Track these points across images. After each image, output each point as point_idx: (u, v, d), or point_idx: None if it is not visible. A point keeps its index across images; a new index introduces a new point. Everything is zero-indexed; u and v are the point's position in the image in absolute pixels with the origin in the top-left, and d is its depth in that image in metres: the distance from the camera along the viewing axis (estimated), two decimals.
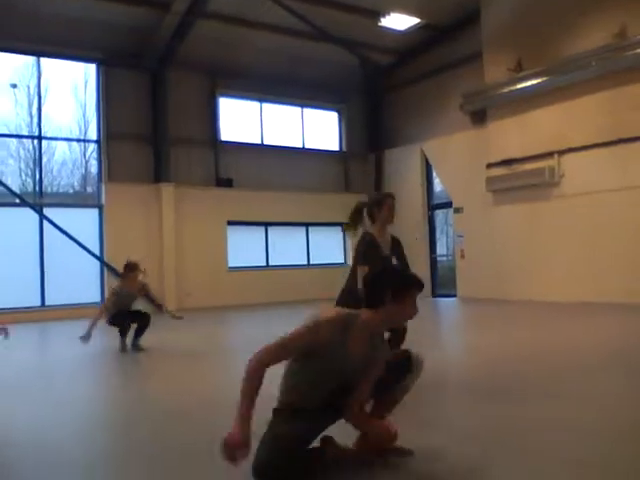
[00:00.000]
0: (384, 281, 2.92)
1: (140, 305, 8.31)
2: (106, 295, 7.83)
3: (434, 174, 16.23)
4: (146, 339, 7.87)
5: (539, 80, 12.62)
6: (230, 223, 15.30)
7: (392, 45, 15.78)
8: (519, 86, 13.01)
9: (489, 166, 13.92)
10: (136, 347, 7.72)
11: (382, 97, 17.34)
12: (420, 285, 2.94)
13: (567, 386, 4.85)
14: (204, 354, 7.54)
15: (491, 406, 4.20)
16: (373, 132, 17.50)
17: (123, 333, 7.80)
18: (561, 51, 12.40)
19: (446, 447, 3.32)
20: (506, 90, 13.27)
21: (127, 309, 7.98)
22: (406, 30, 14.50)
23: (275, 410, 2.99)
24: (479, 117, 14.36)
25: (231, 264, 15.21)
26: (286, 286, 15.15)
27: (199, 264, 14.55)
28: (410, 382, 3.18)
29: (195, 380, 5.77)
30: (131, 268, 8.02)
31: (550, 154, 12.78)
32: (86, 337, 7.22)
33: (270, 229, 15.82)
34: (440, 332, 9.80)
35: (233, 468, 2.69)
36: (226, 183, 15.26)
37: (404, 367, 3.16)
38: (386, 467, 3.03)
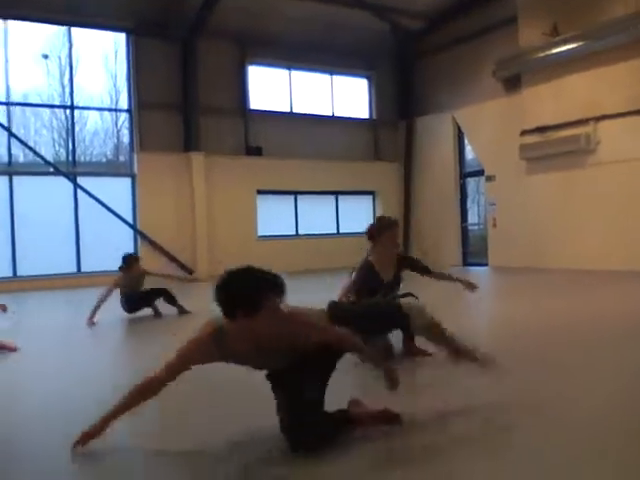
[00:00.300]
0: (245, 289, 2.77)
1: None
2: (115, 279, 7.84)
3: (466, 142, 15.99)
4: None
5: (575, 45, 12.25)
6: (260, 192, 15.34)
7: (423, 10, 15.44)
8: (554, 51, 12.65)
9: (523, 133, 13.65)
10: (182, 311, 7.95)
11: (413, 64, 17.04)
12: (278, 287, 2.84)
13: (600, 354, 4.81)
14: None
15: (522, 375, 4.19)
16: (404, 99, 17.25)
17: (150, 307, 7.96)
18: (598, 15, 11.99)
19: (475, 412, 3.34)
20: (541, 55, 12.92)
21: (138, 292, 7.99)
22: None
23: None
24: (513, 83, 14.04)
25: (260, 233, 15.31)
26: (315, 255, 15.20)
27: (229, 233, 14.66)
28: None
29: None
30: (131, 261, 8.04)
31: (585, 121, 12.47)
32: (90, 324, 7.25)
33: (299, 198, 15.83)
34: (470, 301, 9.75)
35: None
36: (255, 152, 15.27)
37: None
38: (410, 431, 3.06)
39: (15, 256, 12.86)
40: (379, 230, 4.87)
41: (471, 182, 16.46)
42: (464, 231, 16.14)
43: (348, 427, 3.02)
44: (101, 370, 5.14)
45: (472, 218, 16.55)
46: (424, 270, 5.17)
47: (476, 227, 16.46)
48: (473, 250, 16.07)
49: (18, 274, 12.87)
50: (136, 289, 7.98)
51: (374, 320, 3.17)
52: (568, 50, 12.40)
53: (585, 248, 12.55)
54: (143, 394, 2.93)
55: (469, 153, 16.14)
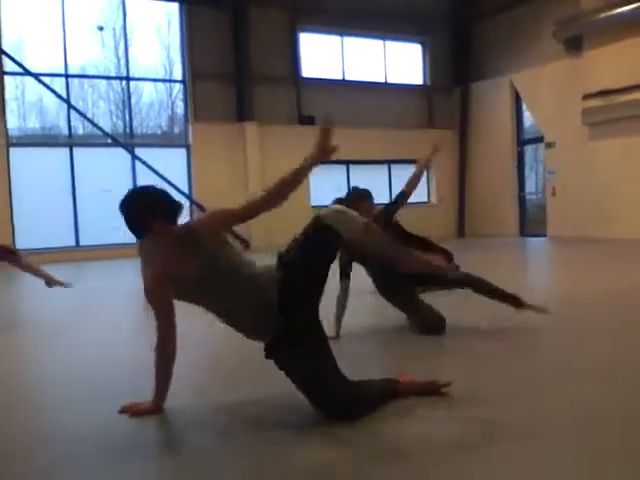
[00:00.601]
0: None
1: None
2: None
3: (524, 107, 15.49)
4: None
5: (639, 4, 11.62)
6: None
7: None
8: (617, 11, 12.02)
9: (585, 98, 13.11)
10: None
11: (469, 27, 16.52)
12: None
13: None
14: None
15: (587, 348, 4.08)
16: (459, 64, 16.79)
17: None
18: None
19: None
20: (604, 16, 12.30)
21: None
22: None
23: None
24: (574, 45, 13.44)
25: (314, 202, 15.29)
26: None
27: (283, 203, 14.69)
28: (344, 228, 2.76)
29: None
30: None
31: None
32: None
33: (352, 167, 15.71)
34: (528, 274, 9.54)
35: None
36: (308, 121, 15.18)
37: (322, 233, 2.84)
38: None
39: (77, 226, 13.28)
40: (355, 202, 4.45)
41: (529, 149, 15.98)
42: (521, 200, 15.74)
43: (392, 397, 2.97)
44: None
45: (530, 187, 16.11)
46: (391, 211, 4.99)
47: (534, 196, 16.02)
48: (531, 220, 15.68)
49: (81, 244, 13.30)
50: None
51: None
52: (632, 10, 11.77)
53: None
54: (163, 349, 2.87)
55: (527, 119, 15.64)
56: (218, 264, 2.75)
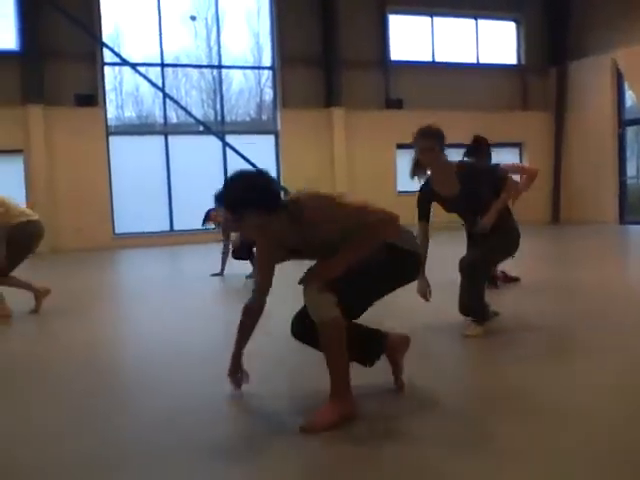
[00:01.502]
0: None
1: None
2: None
3: (626, 87, 14.59)
4: None
5: None
6: (400, 146, 15.08)
7: None
8: None
9: None
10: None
11: (566, 2, 15.69)
12: None
13: None
14: None
15: None
16: (556, 42, 16.01)
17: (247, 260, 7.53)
18: None
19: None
20: None
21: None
22: None
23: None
24: None
25: (400, 188, 15.11)
26: None
27: (369, 188, 14.58)
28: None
29: None
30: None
31: None
32: (220, 273, 7.70)
33: None
34: (628, 267, 9.02)
35: None
36: (396, 104, 14.98)
37: None
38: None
39: (172, 212, 13.78)
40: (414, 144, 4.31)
41: (630, 131, 15.06)
42: (622, 186, 14.88)
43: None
44: None
45: (631, 171, 15.19)
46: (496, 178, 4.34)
47: (636, 181, 15.10)
48: (632, 207, 14.80)
49: (175, 228, 13.80)
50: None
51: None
52: None
53: None
54: (248, 314, 2.97)
55: (629, 99, 14.73)
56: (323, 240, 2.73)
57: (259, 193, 2.61)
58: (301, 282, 2.65)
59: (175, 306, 5.95)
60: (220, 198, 2.66)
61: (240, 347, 3.03)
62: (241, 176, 2.70)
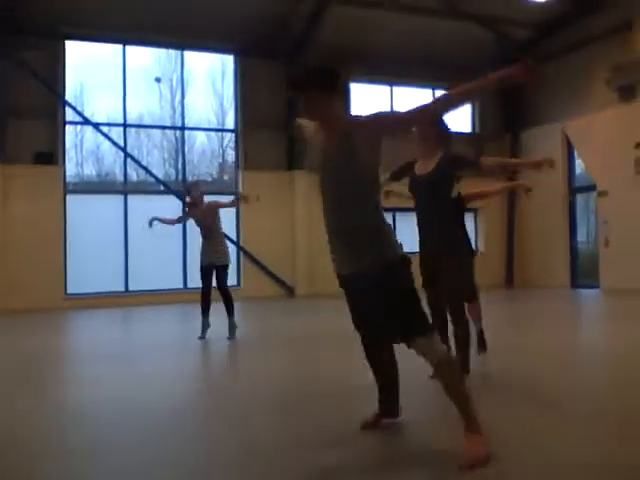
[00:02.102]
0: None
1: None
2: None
3: (576, 155, 15.26)
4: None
5: None
6: None
7: (531, 19, 14.97)
8: None
9: (638, 146, 12.84)
10: (231, 332, 7.39)
11: None
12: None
13: None
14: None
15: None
16: (509, 112, 16.73)
17: (206, 306, 7.54)
18: None
19: None
20: None
21: (208, 249, 7.70)
22: (546, 2, 13.67)
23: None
24: (628, 92, 13.26)
25: None
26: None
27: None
28: None
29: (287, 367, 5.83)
30: (190, 189, 8.04)
31: None
32: (151, 221, 8.02)
33: (397, 213, 15.65)
34: (576, 326, 9.22)
35: None
36: None
37: None
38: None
39: (128, 272, 13.56)
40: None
41: (580, 198, 15.66)
42: (573, 251, 15.35)
43: None
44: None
45: (581, 237, 15.72)
46: (470, 165, 4.79)
47: (586, 246, 15.61)
48: (583, 271, 15.23)
49: (130, 289, 13.56)
50: (209, 237, 7.79)
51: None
52: None
53: None
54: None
55: (579, 167, 15.39)
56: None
57: (322, 73, 2.99)
58: None
59: (125, 372, 5.78)
60: (291, 78, 3.18)
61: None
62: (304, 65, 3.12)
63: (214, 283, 7.64)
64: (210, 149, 15.22)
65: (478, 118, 16.97)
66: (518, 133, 16.47)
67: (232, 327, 7.50)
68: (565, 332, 7.68)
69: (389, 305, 2.91)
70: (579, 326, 9.01)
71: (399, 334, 2.92)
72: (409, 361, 3.44)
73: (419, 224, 4.62)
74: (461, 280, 4.45)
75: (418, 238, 4.63)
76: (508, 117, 16.72)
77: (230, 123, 14.91)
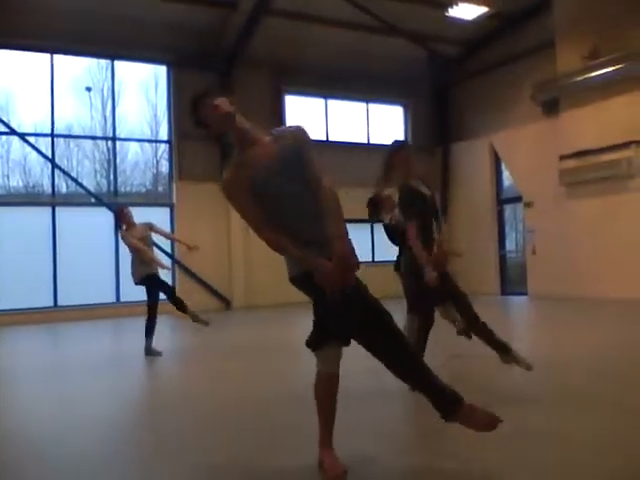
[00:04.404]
0: None
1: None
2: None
3: (503, 167, 15.82)
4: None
5: (616, 67, 12.04)
6: None
7: (460, 36, 15.46)
8: (593, 74, 12.45)
9: (562, 158, 13.42)
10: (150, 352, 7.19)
11: (450, 90, 17.02)
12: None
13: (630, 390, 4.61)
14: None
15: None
16: (440, 126, 17.20)
17: (151, 321, 7.33)
18: (638, 38, 11.81)
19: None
20: (580, 79, 12.73)
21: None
22: (474, 20, 14.15)
23: None
24: (551, 107, 13.87)
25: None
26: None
27: (266, 259, 14.60)
28: None
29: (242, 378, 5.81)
30: (119, 220, 7.61)
31: (627, 144, 12.20)
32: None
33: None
34: (510, 334, 9.52)
35: None
36: None
37: None
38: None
39: (57, 286, 13.10)
40: (390, 155, 4.86)
41: (508, 208, 16.23)
42: (502, 259, 15.87)
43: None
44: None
45: (510, 245, 16.27)
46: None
47: (514, 255, 16.18)
48: (512, 279, 15.76)
49: (59, 304, 13.10)
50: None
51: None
52: (608, 73, 12.20)
53: (628, 276, 12.18)
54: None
55: (506, 179, 15.95)
56: None
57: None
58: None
59: (53, 394, 5.59)
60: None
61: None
62: None
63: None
64: (144, 160, 14.95)
65: (411, 132, 17.35)
66: (449, 146, 16.94)
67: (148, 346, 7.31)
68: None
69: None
70: (515, 331, 9.30)
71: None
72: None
73: (427, 246, 4.75)
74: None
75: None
76: (439, 132, 17.18)
77: (164, 134, 14.70)
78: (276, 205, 2.95)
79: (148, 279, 7.37)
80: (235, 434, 3.80)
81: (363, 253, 15.94)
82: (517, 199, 15.29)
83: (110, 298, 13.47)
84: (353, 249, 2.86)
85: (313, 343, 2.99)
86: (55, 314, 12.71)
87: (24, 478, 3.14)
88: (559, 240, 13.64)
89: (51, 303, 13.06)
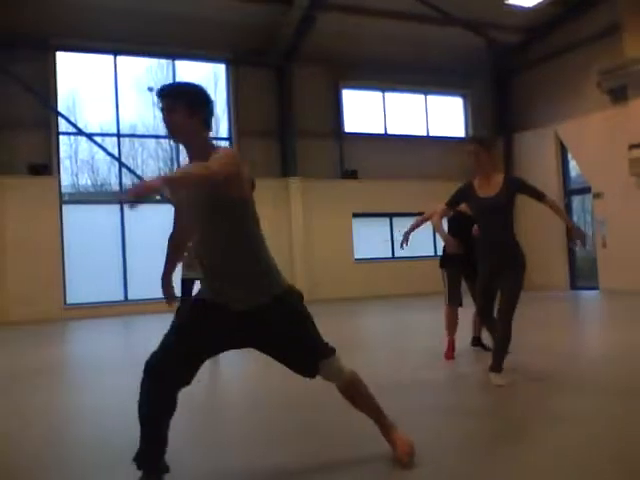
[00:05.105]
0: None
1: None
2: None
3: (569, 157, 15.31)
4: None
5: None
6: (355, 215, 15.35)
7: (520, 23, 15.05)
8: None
9: (632, 147, 12.88)
10: None
11: (510, 79, 16.60)
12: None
13: None
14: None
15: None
16: (501, 116, 16.80)
17: None
18: None
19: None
20: None
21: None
22: (535, 6, 13.75)
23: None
24: (619, 95, 13.32)
25: (357, 256, 15.28)
26: (412, 277, 14.96)
27: (326, 256, 14.74)
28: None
29: None
30: None
31: None
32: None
33: (395, 220, 15.69)
34: (580, 330, 9.22)
35: None
36: (351, 175, 15.34)
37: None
38: None
39: (126, 281, 13.53)
40: (488, 148, 4.84)
41: (576, 200, 15.70)
42: (571, 252, 15.37)
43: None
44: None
45: None
46: (536, 194, 4.90)
47: (584, 248, 15.61)
48: (581, 273, 15.24)
49: (129, 298, 13.51)
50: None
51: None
52: None
53: None
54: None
55: (573, 169, 15.44)
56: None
57: (197, 96, 2.75)
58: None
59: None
60: (164, 87, 2.84)
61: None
62: (188, 82, 2.90)
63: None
64: None
65: (471, 123, 17.02)
66: (511, 136, 16.52)
67: None
68: (578, 332, 7.68)
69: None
70: (588, 327, 9.00)
71: (304, 363, 2.85)
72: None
73: (485, 241, 4.75)
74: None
75: (482, 253, 4.79)
76: (500, 122, 16.77)
77: (224, 131, 14.92)
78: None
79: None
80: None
81: (424, 247, 15.83)
82: (585, 190, 14.77)
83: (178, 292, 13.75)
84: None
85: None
86: (126, 307, 13.12)
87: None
88: (631, 232, 13.10)
89: (122, 297, 13.48)
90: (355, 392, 2.96)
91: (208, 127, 2.84)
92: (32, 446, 3.60)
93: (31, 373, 6.19)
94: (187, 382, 2.73)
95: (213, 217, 2.77)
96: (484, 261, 4.71)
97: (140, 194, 2.42)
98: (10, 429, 4.05)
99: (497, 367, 4.52)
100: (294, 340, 2.80)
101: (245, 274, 2.77)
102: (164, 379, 2.66)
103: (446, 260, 6.01)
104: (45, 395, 5.13)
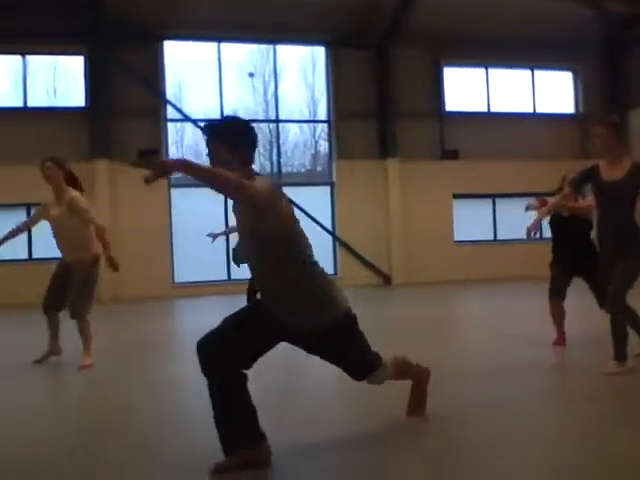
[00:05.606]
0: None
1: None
2: None
3: None
4: None
5: None
6: (456, 196, 15.01)
7: None
8: None
9: None
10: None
11: (624, 51, 15.52)
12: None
13: None
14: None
15: None
16: (615, 91, 15.78)
17: None
18: None
19: None
20: None
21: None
22: None
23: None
24: None
25: (457, 237, 14.94)
26: (515, 261, 14.42)
27: (425, 238, 14.53)
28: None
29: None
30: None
31: None
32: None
33: (498, 201, 15.20)
34: None
35: None
36: (452, 155, 14.97)
37: None
38: None
39: (229, 261, 13.98)
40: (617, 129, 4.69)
41: None
42: None
43: None
44: None
45: None
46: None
47: None
48: None
49: (232, 278, 13.97)
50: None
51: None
52: None
53: None
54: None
55: None
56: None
57: (240, 135, 2.96)
58: None
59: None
60: (210, 123, 3.04)
61: None
62: (235, 118, 3.14)
63: None
64: (303, 140, 15.39)
65: (582, 99, 16.12)
66: (627, 113, 15.48)
67: None
68: None
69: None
70: None
71: (352, 374, 3.12)
72: None
73: (604, 225, 4.61)
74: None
75: (600, 237, 4.67)
76: (614, 97, 15.75)
77: (322, 114, 14.99)
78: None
79: None
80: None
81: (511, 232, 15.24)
82: None
83: None
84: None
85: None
86: (229, 286, 13.55)
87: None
88: None
89: (225, 277, 13.96)
90: (396, 377, 3.28)
91: (249, 163, 3.03)
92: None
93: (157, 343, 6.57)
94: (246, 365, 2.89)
95: (259, 247, 2.89)
96: (602, 246, 4.61)
97: (157, 172, 2.65)
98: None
99: (616, 355, 4.39)
100: (343, 362, 3.05)
101: (294, 301, 2.89)
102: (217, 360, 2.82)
103: (555, 257, 6.01)
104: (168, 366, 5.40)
